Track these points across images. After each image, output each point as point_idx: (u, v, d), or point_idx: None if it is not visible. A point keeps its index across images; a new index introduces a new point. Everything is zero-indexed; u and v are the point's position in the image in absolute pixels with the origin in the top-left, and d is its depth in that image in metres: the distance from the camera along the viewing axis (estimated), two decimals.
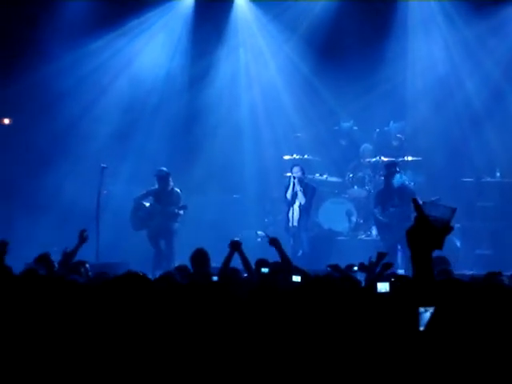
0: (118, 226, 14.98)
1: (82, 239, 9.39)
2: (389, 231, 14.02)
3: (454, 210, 3.42)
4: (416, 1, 16.69)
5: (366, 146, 16.58)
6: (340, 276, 7.72)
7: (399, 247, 14.04)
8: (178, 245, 14.71)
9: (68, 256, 8.94)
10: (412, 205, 3.55)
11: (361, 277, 8.03)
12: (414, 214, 3.54)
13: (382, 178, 15.81)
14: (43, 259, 8.71)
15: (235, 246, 9.06)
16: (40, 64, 15.76)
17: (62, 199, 15.63)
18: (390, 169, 14.42)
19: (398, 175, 14.30)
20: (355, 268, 8.50)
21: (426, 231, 3.33)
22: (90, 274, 8.47)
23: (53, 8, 16.12)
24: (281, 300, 3.56)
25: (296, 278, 7.68)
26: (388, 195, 14.17)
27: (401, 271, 13.47)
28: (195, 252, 9.28)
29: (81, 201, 15.32)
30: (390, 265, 8.44)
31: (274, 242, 8.94)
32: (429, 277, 3.30)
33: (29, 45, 15.83)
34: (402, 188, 14.19)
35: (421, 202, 3.49)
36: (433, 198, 13.84)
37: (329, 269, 8.47)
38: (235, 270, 8.64)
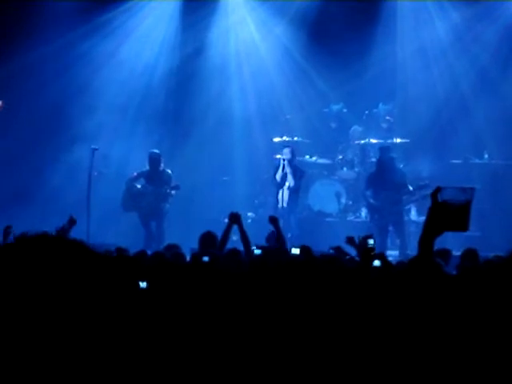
0: (108, 207, 15.03)
1: (72, 222, 9.48)
2: (379, 214, 14.14)
3: (472, 189, 3.42)
4: None
5: (356, 128, 16.67)
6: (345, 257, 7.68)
7: (390, 229, 14.22)
8: (168, 226, 14.81)
9: (64, 234, 8.95)
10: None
11: None
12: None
13: (373, 159, 15.93)
14: None
15: (234, 218, 8.67)
16: (30, 47, 15.73)
17: (52, 182, 15.67)
18: (384, 152, 14.53)
19: (391, 159, 14.45)
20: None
21: (443, 216, 3.37)
22: None
23: None
24: (280, 274, 3.57)
25: (295, 251, 7.39)
26: (380, 178, 14.26)
27: (393, 252, 13.62)
28: (204, 234, 8.84)
29: (71, 183, 15.37)
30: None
31: (273, 220, 8.74)
32: (429, 258, 3.42)
33: (19, 27, 15.82)
34: (394, 172, 14.32)
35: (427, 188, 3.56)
36: (421, 183, 14.00)
37: (331, 251, 8.17)
38: (235, 252, 7.91)
